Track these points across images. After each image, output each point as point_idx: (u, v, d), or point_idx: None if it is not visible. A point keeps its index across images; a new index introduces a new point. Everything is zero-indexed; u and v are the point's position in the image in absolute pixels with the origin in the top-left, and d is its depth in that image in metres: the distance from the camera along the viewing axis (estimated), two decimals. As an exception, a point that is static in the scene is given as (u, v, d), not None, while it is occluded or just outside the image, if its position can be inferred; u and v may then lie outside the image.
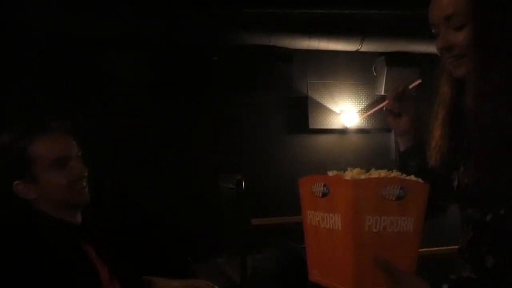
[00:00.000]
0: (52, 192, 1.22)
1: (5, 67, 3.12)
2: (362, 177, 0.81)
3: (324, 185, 0.83)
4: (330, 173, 0.85)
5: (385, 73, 3.85)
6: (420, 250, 0.85)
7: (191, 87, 3.67)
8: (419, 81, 1.12)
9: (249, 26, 3.46)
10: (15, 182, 1.20)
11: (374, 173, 0.83)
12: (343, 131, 4.05)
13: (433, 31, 0.97)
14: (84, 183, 1.27)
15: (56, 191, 1.22)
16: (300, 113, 3.96)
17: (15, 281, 1.10)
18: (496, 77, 0.85)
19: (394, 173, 0.84)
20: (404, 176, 0.84)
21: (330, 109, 4.03)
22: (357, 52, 3.80)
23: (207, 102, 3.70)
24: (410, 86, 1.02)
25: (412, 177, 0.84)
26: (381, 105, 1.11)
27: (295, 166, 3.78)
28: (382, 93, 3.94)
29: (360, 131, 4.06)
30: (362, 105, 4.10)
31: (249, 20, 3.44)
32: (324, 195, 0.83)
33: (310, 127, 3.96)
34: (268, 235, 2.51)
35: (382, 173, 0.83)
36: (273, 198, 3.58)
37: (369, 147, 3.96)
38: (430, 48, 3.63)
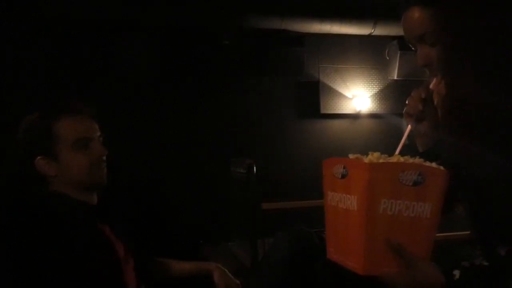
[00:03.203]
0: (71, 171, 1.25)
1: (16, 50, 3.14)
2: (381, 161, 0.82)
3: (344, 167, 0.85)
4: (351, 156, 0.86)
5: (398, 57, 3.80)
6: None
7: (202, 71, 3.66)
8: (436, 79, 1.08)
9: (261, 10, 3.43)
10: (38, 157, 1.24)
11: (394, 158, 0.84)
12: (355, 116, 4.02)
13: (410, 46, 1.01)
14: (103, 165, 1.30)
15: (76, 171, 1.25)
16: (312, 98, 3.94)
17: (33, 260, 1.13)
18: (462, 92, 0.87)
19: (417, 160, 0.85)
20: (427, 162, 0.84)
21: (341, 93, 4.00)
22: (369, 36, 3.75)
23: (218, 86, 3.70)
24: (431, 86, 1.00)
25: (433, 164, 0.84)
26: (407, 132, 1.06)
27: (306, 151, 3.77)
28: (395, 77, 3.89)
29: (372, 116, 4.03)
30: (374, 90, 4.06)
31: (261, 3, 3.41)
32: (343, 176, 0.85)
33: (322, 112, 3.94)
34: (278, 220, 2.52)
35: (402, 158, 0.84)
36: (284, 182, 3.59)
37: (381, 132, 3.93)
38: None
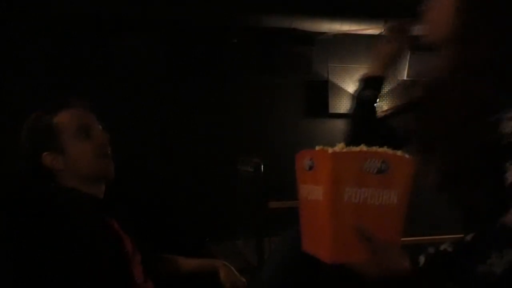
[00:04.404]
0: (78, 162, 1.27)
1: (18, 48, 3.15)
2: (344, 150, 0.83)
3: (310, 159, 0.87)
4: (318, 148, 0.87)
5: (408, 57, 3.77)
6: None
7: (211, 70, 3.67)
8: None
9: (270, 9, 3.43)
10: (44, 153, 1.26)
11: (358, 148, 0.84)
12: (363, 116, 4.00)
13: None
14: (109, 158, 1.32)
15: (82, 161, 1.28)
16: (320, 97, 3.92)
17: (41, 254, 1.14)
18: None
19: (382, 148, 0.85)
20: (390, 150, 0.85)
21: (350, 93, 3.98)
22: (380, 35, 3.72)
23: (226, 85, 3.70)
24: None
25: (398, 152, 0.85)
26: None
27: (314, 150, 3.76)
28: (405, 77, 3.87)
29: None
30: (383, 90, 4.03)
31: (270, 2, 3.41)
32: (310, 168, 0.87)
33: (330, 111, 3.93)
34: (285, 218, 2.52)
35: (365, 148, 0.84)
36: (291, 181, 3.58)
37: (389, 132, 3.90)
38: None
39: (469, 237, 0.84)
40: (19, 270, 1.14)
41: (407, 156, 0.85)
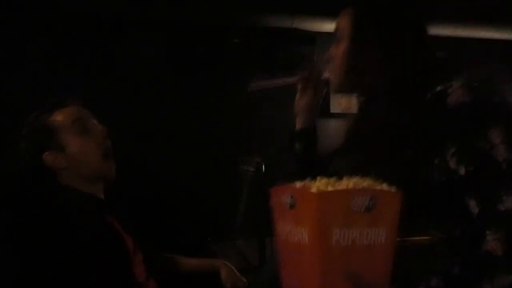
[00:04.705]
0: (80, 159, 1.28)
1: (18, 48, 3.14)
2: (329, 188, 0.77)
3: (291, 197, 0.81)
4: (298, 184, 0.82)
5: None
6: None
7: (211, 70, 3.66)
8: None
9: (270, 8, 3.42)
10: (45, 153, 1.26)
11: (344, 183, 0.79)
12: (364, 116, 3.99)
13: None
14: (110, 146, 1.33)
15: (85, 156, 1.28)
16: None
17: (42, 254, 1.14)
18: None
19: (367, 181, 0.81)
20: (377, 183, 0.80)
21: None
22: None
23: (228, 84, 3.69)
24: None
25: (384, 186, 0.81)
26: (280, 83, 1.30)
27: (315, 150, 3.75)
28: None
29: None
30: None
31: (271, 2, 3.40)
32: (291, 206, 0.81)
33: (332, 111, 3.92)
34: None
35: (351, 183, 0.79)
36: (293, 181, 3.57)
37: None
38: (457, 31, 3.53)
39: (456, 270, 0.83)
40: (20, 270, 1.13)
41: (393, 190, 0.81)
